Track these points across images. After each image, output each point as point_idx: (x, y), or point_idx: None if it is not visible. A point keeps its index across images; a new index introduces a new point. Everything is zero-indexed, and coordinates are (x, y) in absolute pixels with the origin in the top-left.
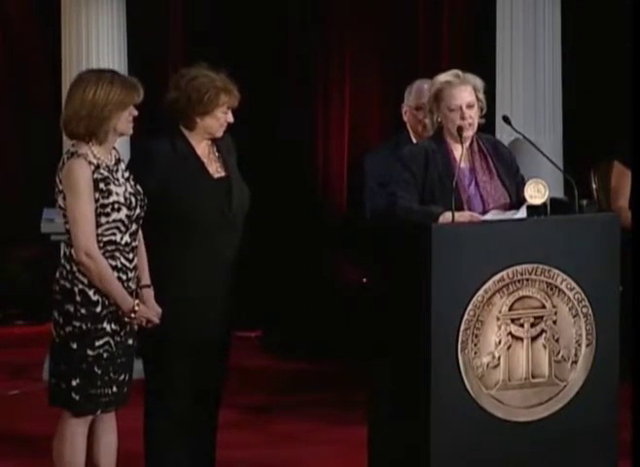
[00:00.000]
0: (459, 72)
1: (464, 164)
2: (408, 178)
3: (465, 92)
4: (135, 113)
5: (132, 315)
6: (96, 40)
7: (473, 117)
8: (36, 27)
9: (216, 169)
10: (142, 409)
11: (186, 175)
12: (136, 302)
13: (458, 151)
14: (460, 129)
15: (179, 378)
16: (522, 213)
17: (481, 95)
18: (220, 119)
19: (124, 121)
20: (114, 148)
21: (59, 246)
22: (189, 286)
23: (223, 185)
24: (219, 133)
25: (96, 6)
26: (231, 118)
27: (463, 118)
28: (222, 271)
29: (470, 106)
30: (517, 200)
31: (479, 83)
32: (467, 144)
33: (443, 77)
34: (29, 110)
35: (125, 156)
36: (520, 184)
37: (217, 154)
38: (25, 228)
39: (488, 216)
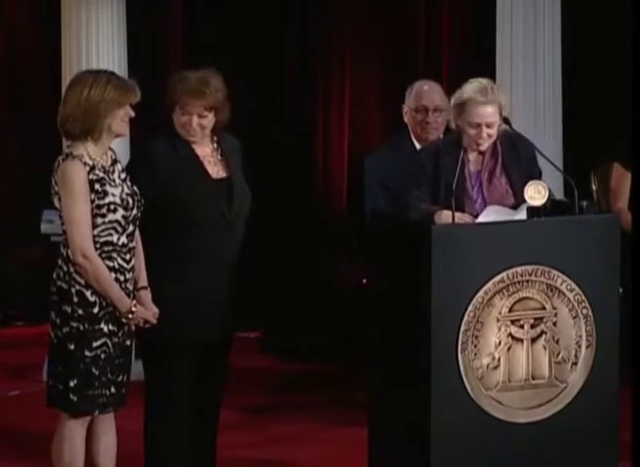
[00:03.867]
0: (489, 86)
1: (473, 168)
2: (420, 175)
3: (488, 112)
4: (132, 114)
5: (130, 316)
6: (96, 40)
7: (491, 134)
8: (36, 27)
9: (217, 170)
10: (142, 409)
11: (185, 176)
12: (133, 302)
13: (472, 155)
14: (478, 145)
15: (179, 379)
16: (522, 215)
17: (505, 112)
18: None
19: (119, 120)
20: (110, 149)
21: (59, 247)
22: (189, 287)
23: (223, 186)
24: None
25: (96, 6)
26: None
27: (480, 136)
28: (222, 272)
29: (489, 126)
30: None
31: (504, 100)
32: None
33: (471, 88)
34: (29, 110)
35: (125, 157)
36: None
37: (220, 155)
38: (25, 229)
39: (483, 215)
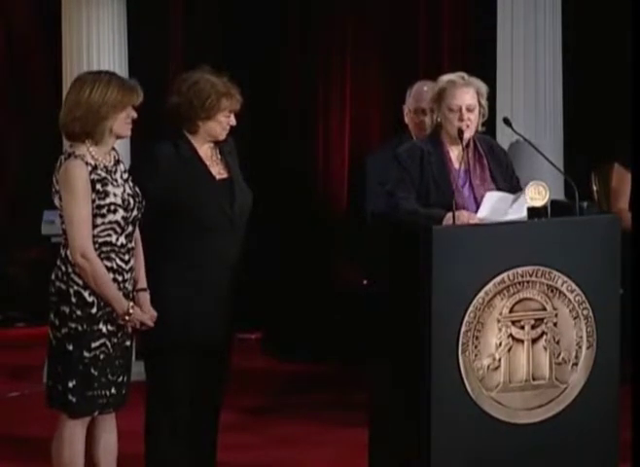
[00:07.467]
0: (464, 74)
1: (457, 165)
2: (405, 177)
3: (467, 95)
4: (134, 115)
5: (126, 318)
6: (97, 40)
7: (472, 120)
8: (36, 27)
9: (218, 171)
10: (143, 410)
11: (189, 177)
12: (131, 304)
13: (454, 152)
14: (461, 133)
15: (181, 380)
16: (521, 200)
17: (484, 101)
18: (222, 123)
19: (122, 122)
20: (113, 148)
21: (60, 248)
22: (191, 287)
23: (225, 187)
24: (222, 137)
25: (97, 6)
26: (233, 121)
27: (461, 119)
28: (224, 273)
29: (470, 109)
30: None
31: (483, 87)
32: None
33: (447, 77)
34: (29, 110)
35: (125, 158)
36: (516, 187)
37: (219, 156)
38: (26, 229)
39: (485, 203)
